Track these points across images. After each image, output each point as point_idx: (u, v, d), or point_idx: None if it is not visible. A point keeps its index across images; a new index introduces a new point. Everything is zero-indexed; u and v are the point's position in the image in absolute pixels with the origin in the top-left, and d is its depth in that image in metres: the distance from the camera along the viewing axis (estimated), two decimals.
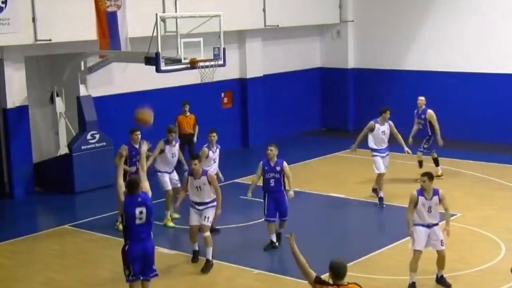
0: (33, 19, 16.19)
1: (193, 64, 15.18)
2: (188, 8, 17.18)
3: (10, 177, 17.04)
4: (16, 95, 16.90)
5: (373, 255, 12.69)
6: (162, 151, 14.32)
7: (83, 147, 17.26)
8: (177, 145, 14.57)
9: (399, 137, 15.96)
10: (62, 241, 14.04)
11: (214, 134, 14.10)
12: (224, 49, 15.75)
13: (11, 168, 16.99)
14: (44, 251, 13.51)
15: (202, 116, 20.69)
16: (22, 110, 17.06)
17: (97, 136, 17.48)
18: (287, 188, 13.00)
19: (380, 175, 15.69)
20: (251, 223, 14.65)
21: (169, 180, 14.46)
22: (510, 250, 12.75)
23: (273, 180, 12.78)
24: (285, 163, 12.93)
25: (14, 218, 16.25)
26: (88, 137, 17.34)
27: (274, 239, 13.03)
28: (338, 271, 6.98)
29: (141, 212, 9.61)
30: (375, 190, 15.98)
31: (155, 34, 14.77)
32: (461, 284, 11.43)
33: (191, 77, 17.93)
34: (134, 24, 16.81)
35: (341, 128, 24.19)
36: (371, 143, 15.78)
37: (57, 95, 17.70)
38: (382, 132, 15.71)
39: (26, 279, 12.16)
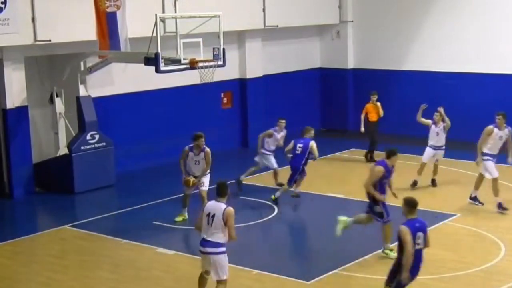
0: (33, 19, 16.18)
1: (192, 65, 15.18)
2: (188, 8, 17.18)
3: (10, 177, 17.03)
4: (15, 96, 16.89)
5: (373, 255, 12.68)
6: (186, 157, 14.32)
7: (82, 148, 17.24)
8: (202, 154, 14.25)
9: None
10: (62, 241, 14.03)
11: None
12: (223, 49, 15.75)
13: (11, 168, 16.98)
14: (44, 251, 13.51)
15: (201, 116, 20.71)
16: (21, 111, 17.05)
17: (97, 136, 17.46)
18: None
19: (495, 179, 15.41)
20: (251, 223, 14.67)
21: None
22: (510, 250, 12.76)
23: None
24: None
25: (14, 218, 16.26)
26: (88, 137, 17.33)
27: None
28: None
29: (419, 238, 9.42)
30: (474, 198, 15.65)
31: (154, 34, 14.77)
32: (461, 284, 11.43)
33: (191, 77, 17.92)
34: (134, 24, 16.79)
35: (340, 128, 24.18)
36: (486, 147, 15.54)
37: (57, 96, 17.68)
38: (499, 137, 15.48)
39: (26, 279, 12.16)
